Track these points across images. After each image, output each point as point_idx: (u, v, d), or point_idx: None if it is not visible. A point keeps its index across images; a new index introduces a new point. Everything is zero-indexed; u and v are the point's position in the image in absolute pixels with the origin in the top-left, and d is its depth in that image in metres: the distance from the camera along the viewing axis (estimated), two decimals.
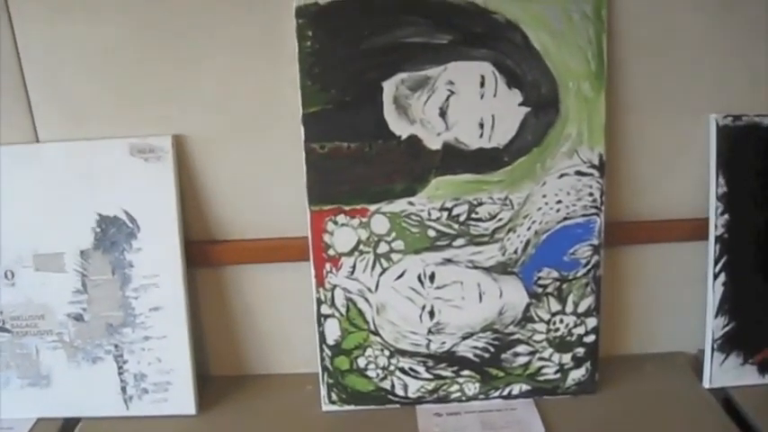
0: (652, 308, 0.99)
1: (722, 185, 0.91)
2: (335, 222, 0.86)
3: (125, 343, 0.90)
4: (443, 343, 0.90)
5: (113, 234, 0.88)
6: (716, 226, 0.92)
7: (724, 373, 0.95)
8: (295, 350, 0.96)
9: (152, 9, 0.83)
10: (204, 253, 0.92)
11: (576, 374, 0.93)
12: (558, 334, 0.91)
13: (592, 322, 0.91)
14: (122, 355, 0.91)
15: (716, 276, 0.93)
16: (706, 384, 0.96)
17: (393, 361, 0.90)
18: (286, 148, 0.86)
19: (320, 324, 0.89)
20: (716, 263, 0.93)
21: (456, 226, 0.87)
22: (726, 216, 0.92)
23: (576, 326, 0.91)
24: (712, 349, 0.95)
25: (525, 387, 0.93)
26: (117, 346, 0.90)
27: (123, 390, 0.91)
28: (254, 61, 0.85)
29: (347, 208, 0.86)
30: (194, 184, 0.90)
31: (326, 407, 0.92)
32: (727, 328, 0.94)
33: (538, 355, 0.92)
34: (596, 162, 0.87)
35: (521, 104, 0.85)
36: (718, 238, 0.92)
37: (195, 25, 0.84)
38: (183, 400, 0.91)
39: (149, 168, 0.87)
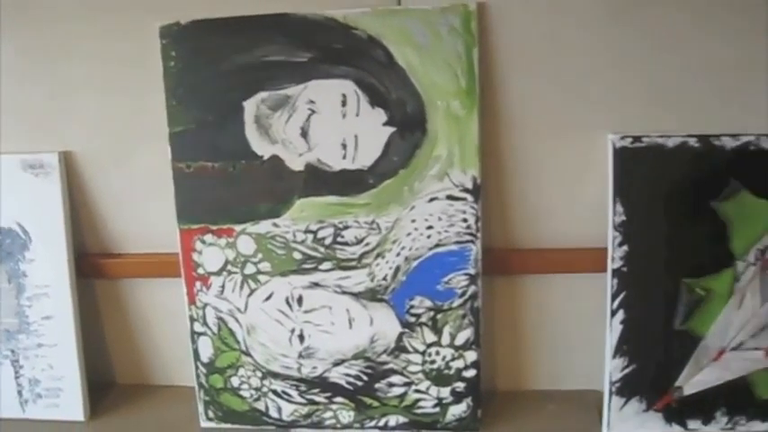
0: (560, 343, 0.90)
1: (620, 213, 0.81)
2: (203, 241, 0.84)
3: (20, 349, 0.92)
4: (315, 368, 0.86)
5: (9, 245, 0.90)
6: (613, 258, 0.82)
7: (625, 419, 0.85)
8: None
9: (32, 33, 0.84)
10: (97, 265, 0.92)
11: (457, 410, 0.86)
12: (435, 366, 0.84)
13: (471, 356, 0.84)
14: (18, 361, 0.92)
15: (614, 313, 0.83)
16: (605, 430, 0.85)
17: (266, 383, 0.87)
18: (161, 166, 0.85)
19: (194, 341, 0.87)
20: (613, 298, 0.83)
21: (322, 249, 0.82)
22: (624, 247, 0.82)
23: (453, 359, 0.84)
24: (611, 393, 0.85)
25: (402, 419, 0.86)
26: (14, 352, 0.92)
27: (20, 393, 0.93)
28: (127, 81, 0.84)
29: (214, 227, 0.84)
30: (86, 199, 0.90)
31: (204, 423, 0.90)
32: (626, 371, 0.84)
33: (414, 387, 0.85)
34: (470, 186, 0.80)
35: (385, 124, 0.79)
36: (615, 272, 0.82)
37: (73, 47, 0.84)
38: (72, 406, 0.92)
39: (39, 183, 0.88)
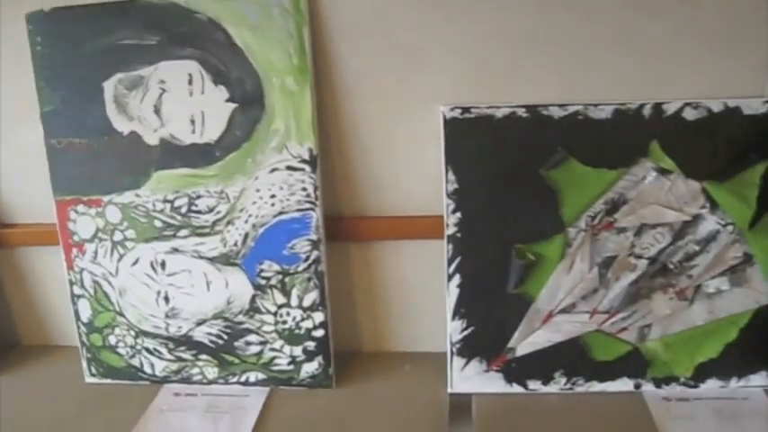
0: (410, 306, 0.94)
1: (453, 182, 0.85)
2: (77, 211, 0.91)
3: None
4: (180, 327, 0.92)
5: None
6: (448, 225, 0.86)
7: (466, 379, 0.89)
8: None
9: None
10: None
11: (310, 368, 0.91)
12: (286, 326, 0.89)
13: (319, 317, 0.89)
14: None
15: (450, 277, 0.87)
16: (450, 389, 0.89)
17: (139, 341, 0.93)
18: (38, 143, 0.91)
19: (74, 303, 0.94)
20: (450, 263, 0.86)
21: (179, 217, 0.88)
22: (458, 214, 0.85)
23: (302, 319, 0.89)
24: (452, 353, 0.88)
25: (261, 376, 0.92)
26: None
27: None
28: (8, 64, 0.91)
29: (85, 198, 0.90)
30: None
31: (89, 379, 0.97)
32: (465, 332, 0.87)
33: (269, 346, 0.91)
34: (307, 157, 0.84)
35: (227, 101, 0.84)
36: (450, 238, 0.86)
37: None
38: None
39: None
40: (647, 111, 0.82)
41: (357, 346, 0.97)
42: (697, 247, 0.85)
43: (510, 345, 0.86)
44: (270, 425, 0.86)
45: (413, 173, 0.87)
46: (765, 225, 0.84)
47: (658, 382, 0.88)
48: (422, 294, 0.92)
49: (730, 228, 0.84)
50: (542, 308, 0.85)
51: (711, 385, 0.88)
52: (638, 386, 0.88)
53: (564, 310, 0.85)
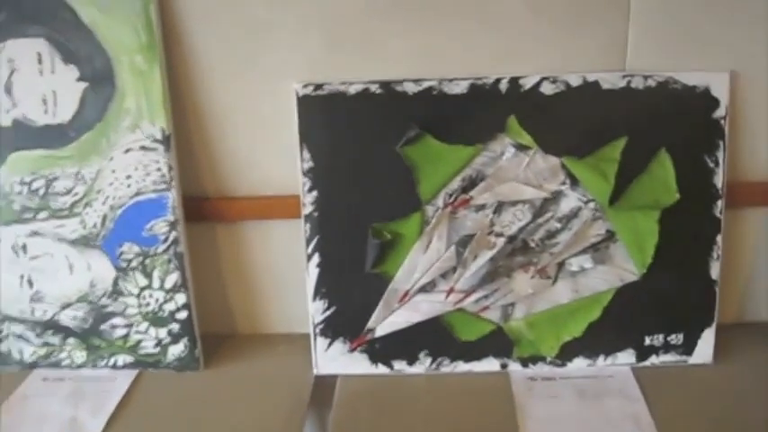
0: (278, 287, 0.92)
1: (308, 160, 0.82)
2: None
3: None
4: (45, 311, 0.89)
5: None
6: (304, 204, 0.83)
7: (331, 360, 0.86)
8: None
9: None
10: None
11: (176, 350, 0.88)
12: (150, 308, 0.87)
13: (181, 298, 0.86)
14: None
15: (309, 257, 0.84)
16: (316, 371, 0.87)
17: (5, 326, 0.91)
18: None
19: None
20: (308, 243, 0.84)
21: (37, 200, 0.86)
22: (314, 193, 0.83)
23: (165, 301, 0.87)
24: (315, 334, 0.86)
25: (129, 359, 0.90)
26: None
27: None
28: None
29: None
30: None
31: None
32: (327, 313, 0.85)
33: (135, 329, 0.88)
34: (159, 137, 0.82)
35: (78, 80, 0.82)
36: (307, 217, 0.83)
37: None
38: None
39: None
40: (503, 85, 0.80)
41: (231, 328, 0.95)
42: (558, 225, 0.82)
43: (369, 325, 0.84)
44: (131, 408, 0.84)
45: (271, 152, 0.85)
46: (626, 202, 0.81)
47: (525, 362, 0.86)
48: (291, 275, 0.89)
49: (592, 205, 0.82)
50: (399, 287, 0.83)
51: (578, 364, 0.86)
52: (504, 366, 0.86)
53: (423, 290, 0.83)
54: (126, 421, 0.81)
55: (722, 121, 0.81)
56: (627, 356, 0.85)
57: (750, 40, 0.80)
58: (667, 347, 0.85)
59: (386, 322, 0.84)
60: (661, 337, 0.85)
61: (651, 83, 0.80)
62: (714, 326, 0.85)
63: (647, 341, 0.85)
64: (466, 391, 0.83)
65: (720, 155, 0.81)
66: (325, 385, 0.86)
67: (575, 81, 0.80)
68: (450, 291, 0.82)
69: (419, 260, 0.82)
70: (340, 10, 0.79)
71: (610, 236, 0.83)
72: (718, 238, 0.83)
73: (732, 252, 0.87)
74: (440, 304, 0.83)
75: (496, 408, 0.81)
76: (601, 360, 0.86)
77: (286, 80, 0.81)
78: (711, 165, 0.81)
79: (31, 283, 0.88)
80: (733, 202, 0.84)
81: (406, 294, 0.83)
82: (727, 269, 0.86)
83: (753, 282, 0.92)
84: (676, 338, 0.85)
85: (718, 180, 0.82)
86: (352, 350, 0.85)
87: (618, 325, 0.84)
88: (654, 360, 0.86)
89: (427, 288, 0.83)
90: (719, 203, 0.82)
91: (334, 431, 0.78)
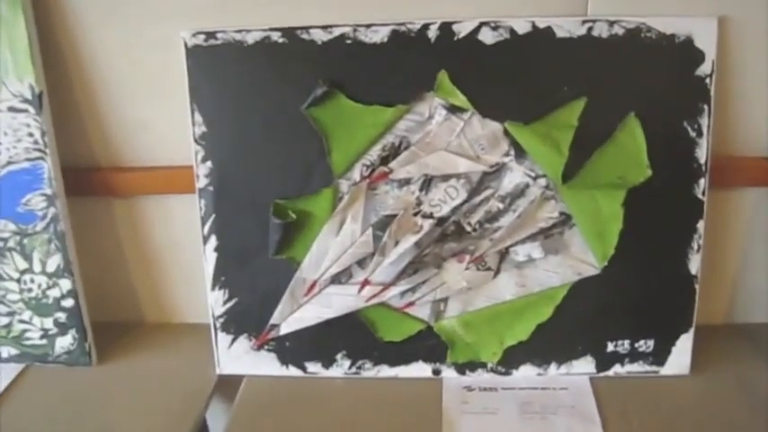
0: (175, 272, 0.79)
1: (200, 124, 0.68)
2: None
3: None
4: None
5: None
6: (198, 176, 0.69)
7: (235, 358, 0.73)
8: None
9: None
10: None
11: (64, 342, 0.76)
12: (33, 295, 0.74)
13: (66, 284, 0.73)
14: None
15: (206, 240, 0.70)
16: (219, 370, 0.74)
17: None
18: None
19: None
20: (204, 223, 0.70)
21: None
22: (209, 164, 0.68)
23: (49, 287, 0.74)
24: (216, 328, 0.72)
25: (14, 351, 0.77)
26: None
27: None
28: None
29: None
30: None
31: None
32: (229, 304, 0.71)
33: (17, 317, 0.76)
34: (29, 96, 0.68)
35: None
36: (202, 192, 0.69)
37: None
38: None
39: None
40: (432, 33, 0.64)
41: (130, 317, 0.82)
42: (500, 205, 0.66)
43: (273, 320, 0.70)
44: (9, 407, 0.72)
45: (164, 114, 0.70)
46: (585, 178, 0.65)
47: (461, 368, 0.71)
48: (195, 258, 0.75)
49: (542, 181, 0.66)
50: (307, 277, 0.68)
51: (525, 373, 0.71)
52: (436, 372, 0.71)
53: (336, 281, 0.68)
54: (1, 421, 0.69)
55: (707, 80, 0.64)
56: (585, 365, 0.70)
57: None
58: (635, 355, 0.70)
59: (292, 318, 0.69)
60: (627, 342, 0.69)
61: (618, 30, 0.63)
62: (692, 330, 0.69)
63: (610, 347, 0.70)
64: (389, 401, 0.69)
65: (704, 122, 0.64)
66: (228, 386, 0.73)
67: (522, 28, 0.63)
68: (365, 283, 0.67)
69: (330, 245, 0.67)
70: None
71: (564, 220, 0.67)
72: (700, 225, 0.66)
73: (716, 241, 0.71)
74: (354, 298, 0.68)
75: (420, 423, 0.66)
76: (553, 369, 0.70)
77: (174, 27, 0.66)
78: (693, 134, 0.65)
79: None
80: (719, 180, 0.67)
81: (314, 285, 0.68)
82: (710, 262, 0.70)
83: (740, 277, 0.75)
84: (646, 345, 0.69)
85: (701, 153, 0.65)
86: (258, 348, 0.71)
87: (574, 327, 0.69)
88: (618, 370, 0.70)
89: (341, 278, 0.69)
90: (702, 182, 0.66)
91: None
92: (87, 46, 0.69)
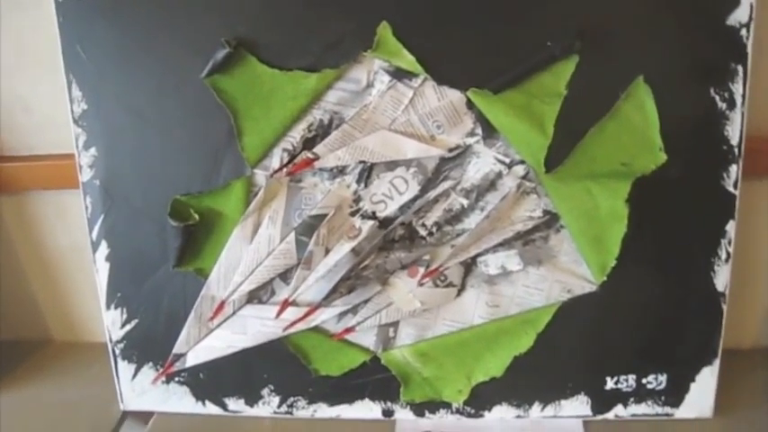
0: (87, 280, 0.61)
1: (79, 100, 0.50)
2: None
3: None
4: None
5: None
6: (81, 167, 0.52)
7: (141, 392, 0.56)
8: None
9: None
10: None
11: None
12: None
13: None
14: None
15: (96, 246, 0.53)
16: (122, 406, 0.57)
17: None
18: None
19: None
20: (91, 226, 0.53)
21: None
22: (92, 150, 0.51)
23: None
24: (114, 356, 0.56)
25: None
26: None
27: None
28: None
29: None
30: None
31: None
32: (128, 326, 0.54)
33: None
34: None
35: None
36: (87, 187, 0.52)
37: None
38: None
39: None
40: None
41: (44, 334, 0.66)
42: (465, 201, 0.48)
43: (177, 349, 0.53)
44: None
45: (42, 90, 0.53)
46: (577, 166, 0.47)
47: (419, 409, 0.53)
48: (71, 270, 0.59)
49: (519, 169, 0.47)
50: (216, 294, 0.51)
51: (501, 413, 0.53)
52: (387, 413, 0.54)
53: (252, 299, 0.51)
54: None
55: (743, 32, 0.45)
56: (577, 406, 0.52)
57: None
58: (642, 394, 0.52)
59: (200, 346, 0.52)
60: (632, 378, 0.52)
61: None
62: (717, 362, 0.51)
63: (610, 384, 0.52)
64: None
65: (738, 90, 0.46)
66: (138, 422, 0.56)
67: None
68: (286, 304, 0.50)
69: (242, 254, 0.50)
70: None
71: (549, 221, 0.48)
72: (730, 227, 0.48)
73: (748, 246, 0.52)
74: (270, 324, 0.50)
75: None
76: (536, 410, 0.53)
77: None
78: (722, 106, 0.46)
79: None
80: (753, 168, 0.49)
81: (222, 305, 0.51)
82: (739, 273, 0.51)
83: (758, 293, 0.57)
84: (657, 381, 0.52)
85: (734, 132, 0.46)
86: (167, 381, 0.54)
87: (562, 359, 0.51)
88: (620, 412, 0.53)
89: (261, 296, 0.51)
90: (734, 170, 0.47)
91: None
92: None
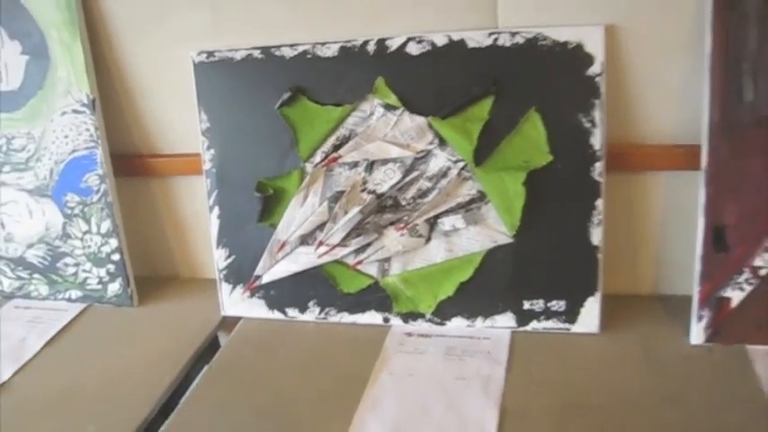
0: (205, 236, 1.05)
1: (205, 121, 0.94)
2: None
3: None
4: (16, 249, 1.10)
5: None
6: (204, 161, 0.95)
7: (235, 303, 0.99)
8: None
9: None
10: None
11: (113, 288, 1.05)
12: (91, 250, 1.05)
13: (114, 242, 1.03)
14: None
15: (211, 209, 0.97)
16: (223, 312, 1.00)
17: None
18: None
19: None
20: (209, 196, 0.96)
21: (2, 155, 1.06)
22: (212, 151, 0.95)
23: (102, 245, 1.04)
24: (219, 279, 0.99)
25: (79, 293, 1.08)
26: None
27: None
28: None
29: None
30: None
31: None
32: (229, 260, 0.97)
33: (81, 267, 1.07)
34: (86, 101, 0.98)
35: (21, 53, 1.00)
36: (208, 173, 0.96)
37: None
38: None
39: None
40: (371, 47, 0.86)
41: (173, 271, 1.10)
42: (429, 184, 0.87)
43: (257, 272, 0.95)
44: (70, 334, 1.02)
45: (182, 116, 0.97)
46: (495, 162, 0.84)
47: (405, 318, 0.92)
48: (191, 226, 1.02)
49: (461, 164, 0.86)
50: (280, 238, 0.92)
51: (457, 324, 0.91)
52: (386, 320, 0.93)
53: (303, 242, 0.92)
54: (61, 344, 1.00)
55: (597, 79, 0.81)
56: (506, 320, 0.89)
57: None
58: (549, 313, 0.87)
59: (271, 271, 0.94)
60: (541, 302, 0.87)
61: (519, 40, 0.82)
62: (599, 294, 0.85)
63: (527, 306, 0.88)
64: (347, 342, 0.91)
65: (597, 114, 0.81)
66: (230, 325, 0.99)
67: (441, 40, 0.83)
68: (320, 243, 0.91)
69: (297, 213, 0.91)
70: None
71: (480, 196, 0.86)
72: (599, 203, 0.83)
73: (620, 219, 0.87)
74: (312, 256, 0.92)
75: (363, 358, 0.87)
76: (479, 322, 0.90)
77: (186, 48, 0.93)
78: (587, 125, 0.82)
79: (3, 226, 1.09)
80: (619, 165, 0.84)
81: (284, 245, 0.92)
82: (614, 237, 0.86)
83: (662, 252, 0.90)
84: (558, 305, 0.87)
85: (596, 141, 0.82)
86: (251, 295, 0.97)
87: (493, 287, 0.88)
88: (535, 326, 0.88)
89: (308, 240, 0.92)
90: (598, 165, 0.83)
91: (214, 364, 0.90)
92: (126, 62, 0.97)
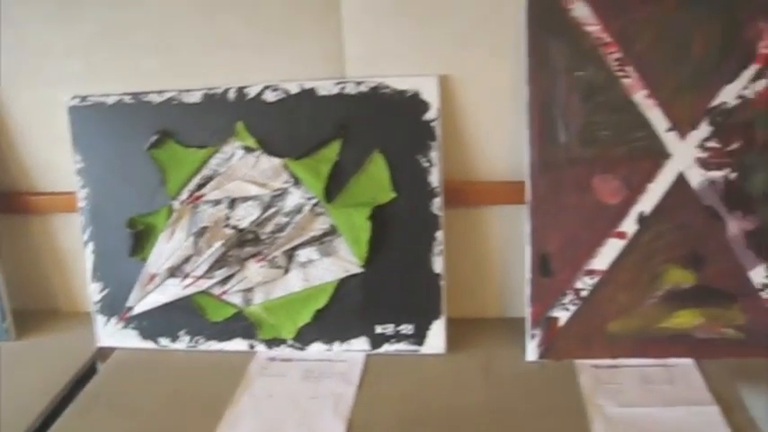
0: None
1: (79, 161, 1.02)
2: None
3: None
4: None
5: None
6: (78, 199, 1.03)
7: (109, 334, 1.06)
8: None
9: None
10: None
11: None
12: None
13: None
14: None
15: (86, 245, 1.04)
16: (98, 343, 1.07)
17: None
18: None
19: None
20: (84, 232, 1.04)
21: None
22: (86, 189, 1.03)
23: None
24: (95, 312, 1.06)
25: None
26: None
27: None
28: None
29: None
30: None
31: None
32: (103, 293, 1.05)
33: None
34: None
35: None
36: (82, 210, 1.03)
37: None
38: None
39: None
40: (231, 94, 0.96)
41: (54, 305, 1.17)
42: (286, 219, 0.97)
43: (128, 303, 1.03)
44: None
45: (59, 156, 1.05)
46: (344, 199, 0.95)
47: (269, 344, 1.01)
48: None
49: (314, 201, 0.96)
50: (151, 271, 1.01)
51: (317, 348, 1.00)
52: (252, 346, 1.02)
53: (172, 274, 1.01)
54: None
55: (433, 123, 0.92)
56: (361, 343, 0.98)
57: (458, 45, 0.92)
58: (399, 337, 0.98)
59: (142, 302, 1.02)
60: (392, 326, 0.98)
61: (363, 88, 0.93)
62: (444, 318, 0.96)
63: (379, 330, 0.98)
64: (214, 367, 1.00)
65: (434, 155, 0.93)
66: (108, 356, 1.06)
67: (294, 89, 0.94)
68: (186, 275, 0.99)
69: (165, 248, 1.00)
70: (97, 41, 0.99)
71: (332, 230, 0.96)
72: (438, 234, 0.95)
73: (461, 249, 0.98)
74: (180, 287, 1.00)
75: (228, 383, 0.95)
76: (337, 346, 0.99)
77: (59, 91, 1.01)
78: (426, 164, 0.93)
79: None
80: (457, 200, 0.96)
81: (154, 277, 1.01)
82: (457, 266, 0.97)
83: (505, 278, 1.02)
84: (407, 328, 0.97)
85: (434, 179, 0.94)
86: (125, 326, 1.04)
87: (346, 313, 0.97)
88: (388, 348, 0.98)
89: (176, 273, 1.01)
90: (437, 201, 0.94)
91: (85, 393, 0.97)
92: (4, 104, 1.05)
